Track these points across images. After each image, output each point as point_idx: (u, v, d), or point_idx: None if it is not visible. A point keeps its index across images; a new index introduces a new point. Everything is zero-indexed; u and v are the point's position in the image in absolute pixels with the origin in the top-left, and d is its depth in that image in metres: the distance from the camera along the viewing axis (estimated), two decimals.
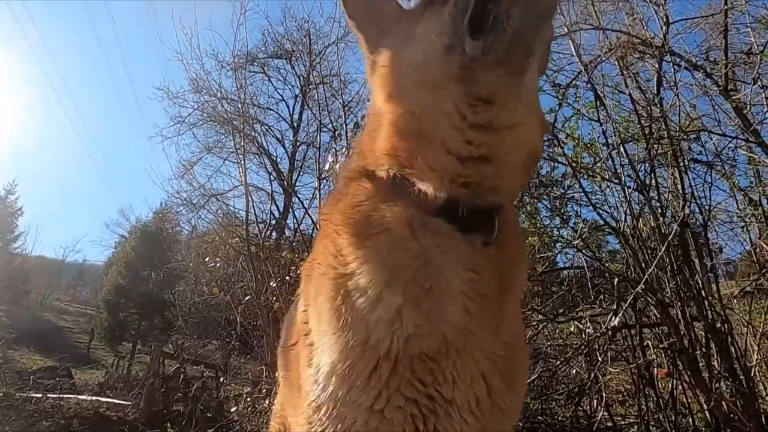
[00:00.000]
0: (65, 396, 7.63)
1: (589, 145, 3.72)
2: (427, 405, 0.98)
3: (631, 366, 3.51)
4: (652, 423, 3.39)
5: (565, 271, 4.13)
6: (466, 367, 0.99)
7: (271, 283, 4.65)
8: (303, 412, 1.08)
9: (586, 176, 3.65)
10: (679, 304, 2.98)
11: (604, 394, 3.35)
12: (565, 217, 3.79)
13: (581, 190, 3.57)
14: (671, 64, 3.58)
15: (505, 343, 1.05)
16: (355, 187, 1.10)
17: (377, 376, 0.97)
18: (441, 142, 0.95)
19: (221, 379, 6.98)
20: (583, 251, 3.69)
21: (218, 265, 6.47)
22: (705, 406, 3.07)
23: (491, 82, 0.92)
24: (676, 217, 3.28)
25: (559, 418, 3.81)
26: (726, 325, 3.00)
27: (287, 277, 4.63)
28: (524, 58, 0.93)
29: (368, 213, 1.03)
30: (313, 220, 5.37)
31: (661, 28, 3.56)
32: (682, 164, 3.38)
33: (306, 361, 1.11)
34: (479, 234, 0.99)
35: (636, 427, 3.58)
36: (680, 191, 3.30)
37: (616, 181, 3.40)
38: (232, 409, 4.67)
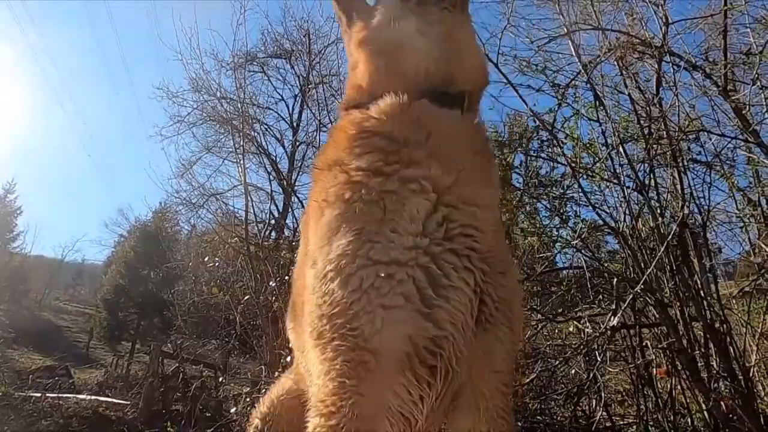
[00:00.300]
0: (64, 395, 7.62)
1: (588, 145, 3.72)
2: (436, 236, 1.11)
3: (630, 366, 3.51)
4: (651, 423, 3.39)
5: (564, 271, 4.13)
6: (464, 196, 1.16)
7: (271, 283, 4.64)
8: (309, 306, 1.14)
9: (585, 176, 3.65)
10: (678, 304, 2.98)
11: (603, 394, 3.36)
12: (564, 217, 3.79)
13: (580, 190, 3.57)
14: (670, 65, 3.57)
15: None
16: (346, 120, 1.30)
17: (393, 225, 1.10)
18: (408, 50, 1.26)
19: (220, 379, 6.98)
20: (582, 251, 3.69)
21: (217, 264, 6.47)
22: (704, 406, 3.07)
23: (439, 12, 1.28)
24: (675, 218, 3.28)
25: (558, 418, 3.81)
26: (725, 326, 3.00)
27: (286, 277, 4.62)
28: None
29: (361, 121, 1.23)
30: None
31: (661, 29, 3.55)
32: (681, 164, 3.37)
33: (309, 270, 1.18)
34: (457, 109, 1.23)
35: (635, 427, 3.58)
36: (679, 191, 3.30)
37: (616, 181, 3.40)
38: (232, 410, 4.66)
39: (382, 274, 1.05)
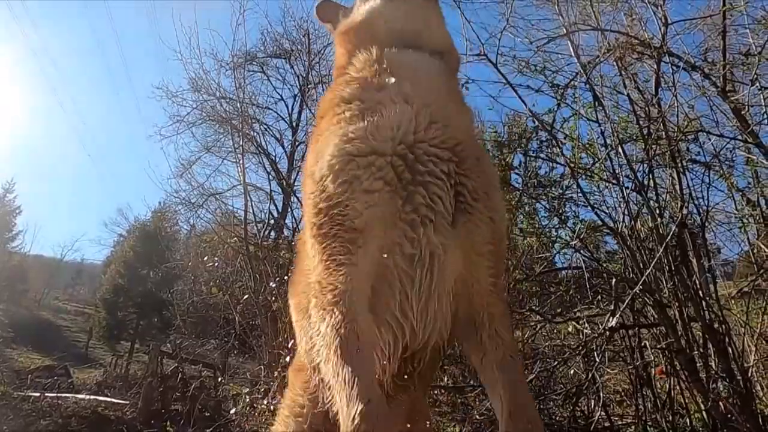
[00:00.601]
0: (63, 395, 7.60)
1: (587, 145, 3.73)
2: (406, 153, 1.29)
3: (629, 367, 3.51)
4: (650, 423, 3.40)
5: (563, 272, 4.13)
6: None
7: (270, 283, 4.64)
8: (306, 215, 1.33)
9: (584, 177, 3.65)
10: (677, 304, 2.98)
11: (601, 395, 3.36)
12: (563, 217, 3.79)
13: (579, 191, 3.57)
14: (670, 65, 3.58)
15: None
16: (332, 87, 1.49)
17: (372, 126, 1.28)
18: (378, 22, 1.48)
19: (219, 379, 6.98)
20: (581, 251, 3.70)
21: (217, 264, 6.47)
22: (702, 407, 3.07)
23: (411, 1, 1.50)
24: (674, 218, 3.28)
25: (557, 418, 3.81)
26: (723, 326, 3.00)
27: (286, 277, 4.62)
28: None
29: (343, 78, 1.45)
30: None
31: (660, 29, 3.55)
32: (680, 165, 3.37)
33: (309, 183, 1.35)
34: (425, 53, 1.44)
35: (633, 427, 3.58)
36: (678, 192, 3.30)
37: (615, 181, 3.40)
38: (231, 411, 4.66)
39: (362, 165, 1.23)
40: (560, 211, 3.81)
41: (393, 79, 1.36)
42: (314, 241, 1.29)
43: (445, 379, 3.90)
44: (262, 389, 4.30)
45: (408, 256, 1.24)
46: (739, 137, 3.55)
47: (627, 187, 3.37)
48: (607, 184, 3.54)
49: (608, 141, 3.53)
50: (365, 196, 1.21)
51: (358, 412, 1.09)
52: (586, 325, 3.41)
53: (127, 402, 7.57)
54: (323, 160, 1.28)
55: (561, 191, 3.88)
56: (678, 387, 3.29)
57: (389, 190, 1.22)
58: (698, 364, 2.93)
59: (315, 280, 1.28)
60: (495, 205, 1.36)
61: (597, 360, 3.24)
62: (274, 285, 4.54)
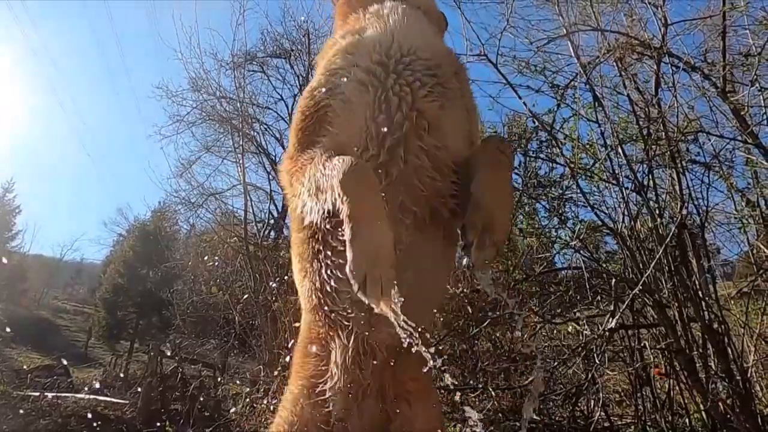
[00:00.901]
0: (63, 394, 7.59)
1: (587, 145, 3.73)
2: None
3: (629, 367, 3.52)
4: (649, 423, 3.40)
5: (563, 272, 4.13)
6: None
7: (270, 283, 4.65)
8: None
9: (584, 177, 3.65)
10: (677, 305, 2.99)
11: (601, 395, 3.36)
12: (563, 217, 3.79)
13: (579, 191, 3.58)
14: (669, 66, 3.58)
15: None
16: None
17: (355, 47, 1.46)
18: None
19: (219, 379, 6.98)
20: (581, 252, 3.70)
21: (216, 264, 6.48)
22: (702, 407, 3.08)
23: None
24: (674, 218, 3.28)
25: (557, 418, 3.82)
26: (723, 326, 3.00)
27: (286, 277, 4.62)
28: None
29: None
30: None
31: (660, 30, 3.55)
32: (680, 165, 3.38)
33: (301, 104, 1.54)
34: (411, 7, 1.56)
35: (633, 427, 3.59)
36: (678, 192, 3.30)
37: (614, 182, 3.41)
38: (231, 411, 4.67)
39: (344, 79, 1.39)
40: (560, 212, 3.81)
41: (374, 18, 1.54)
42: (295, 141, 1.43)
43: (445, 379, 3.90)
44: (262, 389, 4.30)
45: (383, 123, 1.34)
46: (739, 138, 3.55)
47: (627, 188, 3.38)
48: (606, 185, 3.54)
49: (608, 141, 3.54)
50: (341, 95, 1.37)
51: (345, 170, 1.18)
52: (586, 325, 3.41)
53: (127, 402, 7.55)
54: (315, 79, 1.46)
55: (561, 191, 3.88)
56: (677, 387, 3.29)
57: (363, 89, 1.37)
58: (698, 365, 2.93)
59: (295, 168, 1.38)
60: (470, 104, 1.54)
61: (597, 360, 3.24)
62: (274, 285, 4.55)
